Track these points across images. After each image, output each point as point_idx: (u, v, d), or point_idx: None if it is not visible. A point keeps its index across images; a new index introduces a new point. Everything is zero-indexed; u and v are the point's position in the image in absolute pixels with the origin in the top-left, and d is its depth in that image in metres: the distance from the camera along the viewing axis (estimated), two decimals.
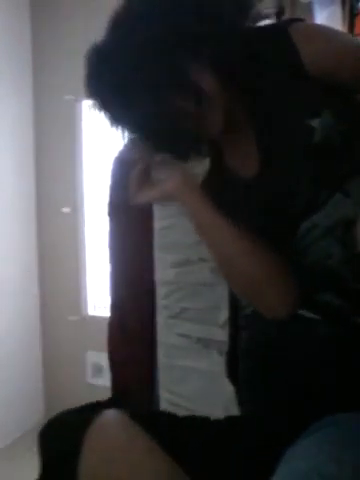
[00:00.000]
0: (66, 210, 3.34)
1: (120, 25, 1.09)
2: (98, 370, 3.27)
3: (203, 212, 1.13)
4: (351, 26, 2.24)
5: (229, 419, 1.23)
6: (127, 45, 1.06)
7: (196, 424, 1.18)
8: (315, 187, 1.11)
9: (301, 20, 1.18)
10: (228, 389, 1.40)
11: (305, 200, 1.12)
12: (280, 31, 1.12)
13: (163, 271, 1.66)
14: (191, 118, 1.09)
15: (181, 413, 1.23)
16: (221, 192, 1.22)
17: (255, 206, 1.17)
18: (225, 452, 1.10)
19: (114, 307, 1.81)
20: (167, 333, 1.68)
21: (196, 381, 1.65)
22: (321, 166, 1.10)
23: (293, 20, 1.17)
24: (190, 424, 1.17)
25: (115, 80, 1.06)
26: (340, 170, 1.10)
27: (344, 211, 1.09)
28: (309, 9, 2.33)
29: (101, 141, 3.16)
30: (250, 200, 1.18)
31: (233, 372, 1.39)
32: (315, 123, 1.08)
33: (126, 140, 1.17)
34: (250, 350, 1.29)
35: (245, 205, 1.18)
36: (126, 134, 1.14)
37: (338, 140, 1.09)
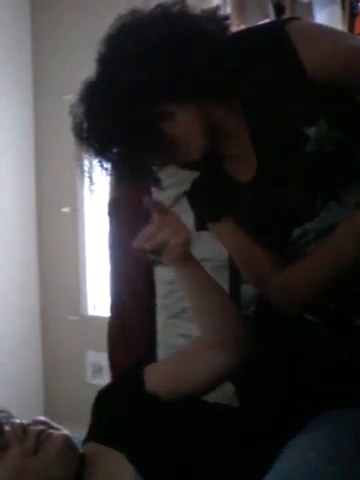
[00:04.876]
0: (66, 210, 3.34)
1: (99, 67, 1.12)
2: (98, 370, 3.27)
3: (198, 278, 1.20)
4: (351, 26, 2.24)
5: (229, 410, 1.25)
6: (98, 91, 1.10)
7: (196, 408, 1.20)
8: (309, 195, 1.11)
9: (299, 19, 1.17)
10: (228, 389, 1.39)
11: (299, 207, 1.11)
12: (277, 31, 1.10)
13: (163, 271, 1.66)
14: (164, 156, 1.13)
15: None
16: (217, 193, 1.22)
17: (249, 210, 1.17)
18: (222, 447, 1.10)
19: (114, 307, 1.81)
20: (167, 333, 1.68)
21: None
22: (314, 174, 1.10)
23: (291, 19, 1.16)
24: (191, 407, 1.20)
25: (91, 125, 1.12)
26: (335, 178, 1.10)
27: (338, 218, 1.09)
28: (309, 9, 2.33)
29: None
30: (245, 203, 1.17)
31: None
32: (310, 132, 1.08)
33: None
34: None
35: (241, 208, 1.18)
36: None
37: (332, 150, 1.08)
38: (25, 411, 1.33)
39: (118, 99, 1.07)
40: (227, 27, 1.12)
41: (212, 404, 1.21)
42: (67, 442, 1.13)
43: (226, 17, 1.13)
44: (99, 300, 3.37)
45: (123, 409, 1.20)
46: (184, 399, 1.19)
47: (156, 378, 1.22)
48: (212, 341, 1.18)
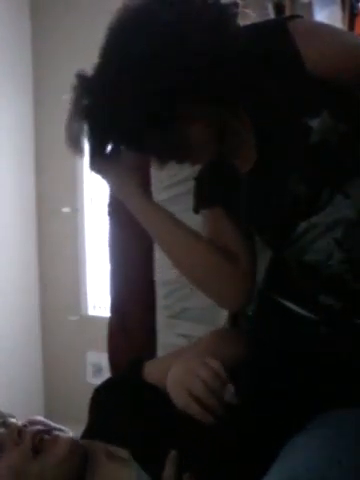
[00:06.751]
0: (66, 210, 3.33)
1: (106, 62, 1.12)
2: (98, 370, 3.27)
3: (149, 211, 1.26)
4: (351, 26, 2.24)
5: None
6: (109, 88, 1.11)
7: None
8: (313, 187, 1.10)
9: (300, 17, 1.17)
10: (228, 389, 1.39)
11: (301, 201, 1.11)
12: (279, 28, 1.10)
13: (163, 271, 1.66)
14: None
15: None
16: (219, 185, 1.22)
17: (248, 201, 1.17)
18: (222, 447, 1.10)
19: (114, 307, 1.81)
20: (167, 333, 1.67)
21: None
22: (318, 167, 1.10)
23: (293, 17, 1.16)
24: None
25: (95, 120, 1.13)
26: (339, 170, 1.10)
27: (344, 212, 1.09)
28: (309, 9, 2.33)
29: None
30: (244, 194, 1.18)
31: (233, 372, 1.39)
32: (314, 123, 1.08)
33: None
34: (251, 350, 1.29)
35: (241, 199, 1.18)
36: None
37: (335, 141, 1.08)
38: (25, 411, 1.34)
39: (129, 98, 1.05)
40: (233, 14, 1.06)
41: None
42: (71, 448, 1.10)
43: (234, 3, 1.06)
44: (99, 300, 3.37)
45: (122, 405, 1.21)
46: None
47: (155, 370, 1.25)
48: None
